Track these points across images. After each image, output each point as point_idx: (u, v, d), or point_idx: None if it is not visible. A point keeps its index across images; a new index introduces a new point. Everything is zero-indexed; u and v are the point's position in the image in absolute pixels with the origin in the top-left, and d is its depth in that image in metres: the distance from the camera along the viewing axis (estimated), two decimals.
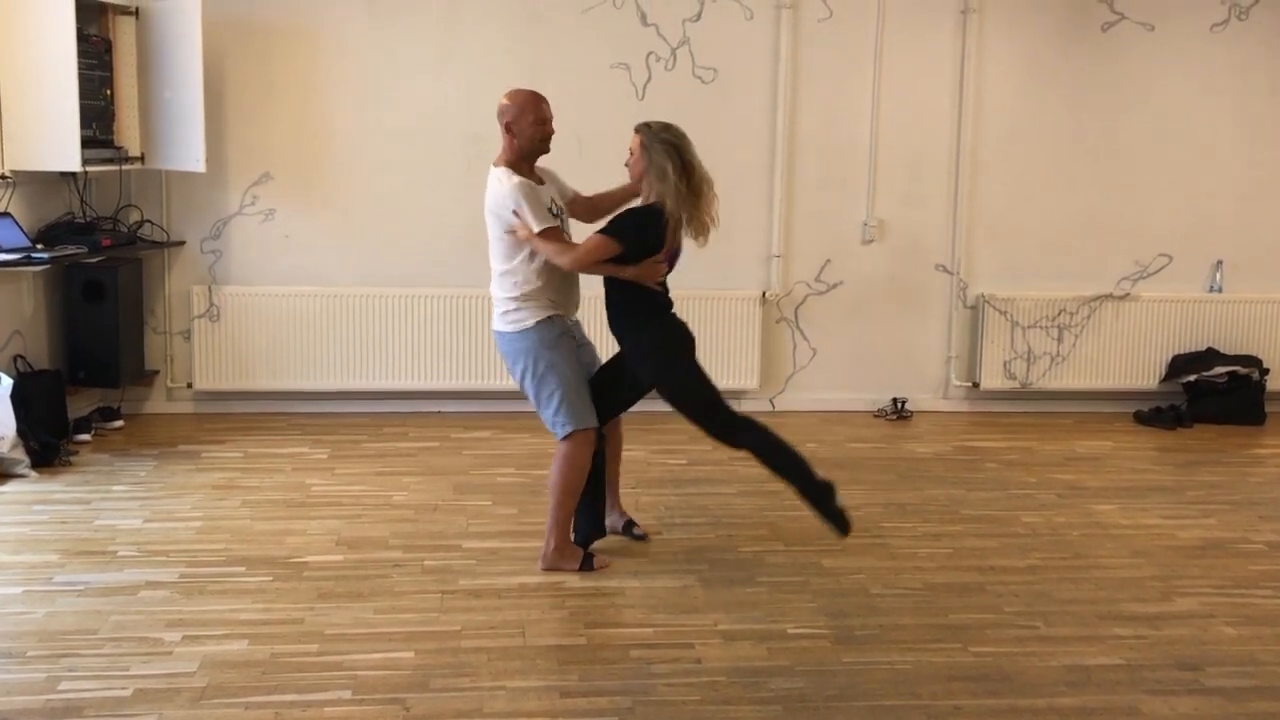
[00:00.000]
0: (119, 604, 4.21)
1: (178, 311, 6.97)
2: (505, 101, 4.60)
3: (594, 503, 4.78)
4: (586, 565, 4.63)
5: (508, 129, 4.57)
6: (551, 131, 4.62)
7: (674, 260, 4.63)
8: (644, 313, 4.59)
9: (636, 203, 4.65)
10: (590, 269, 4.50)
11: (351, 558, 4.72)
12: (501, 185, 4.51)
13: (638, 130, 4.57)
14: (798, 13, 7.11)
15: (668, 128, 4.54)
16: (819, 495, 4.51)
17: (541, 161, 4.70)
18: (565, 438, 4.56)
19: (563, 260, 4.46)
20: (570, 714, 3.51)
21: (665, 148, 4.48)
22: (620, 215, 4.59)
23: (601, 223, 4.62)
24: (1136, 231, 7.52)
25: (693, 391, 4.59)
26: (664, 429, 6.68)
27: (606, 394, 4.68)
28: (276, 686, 3.62)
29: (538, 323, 4.56)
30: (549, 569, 4.61)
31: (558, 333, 4.59)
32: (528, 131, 4.54)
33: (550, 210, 4.55)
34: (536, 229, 4.44)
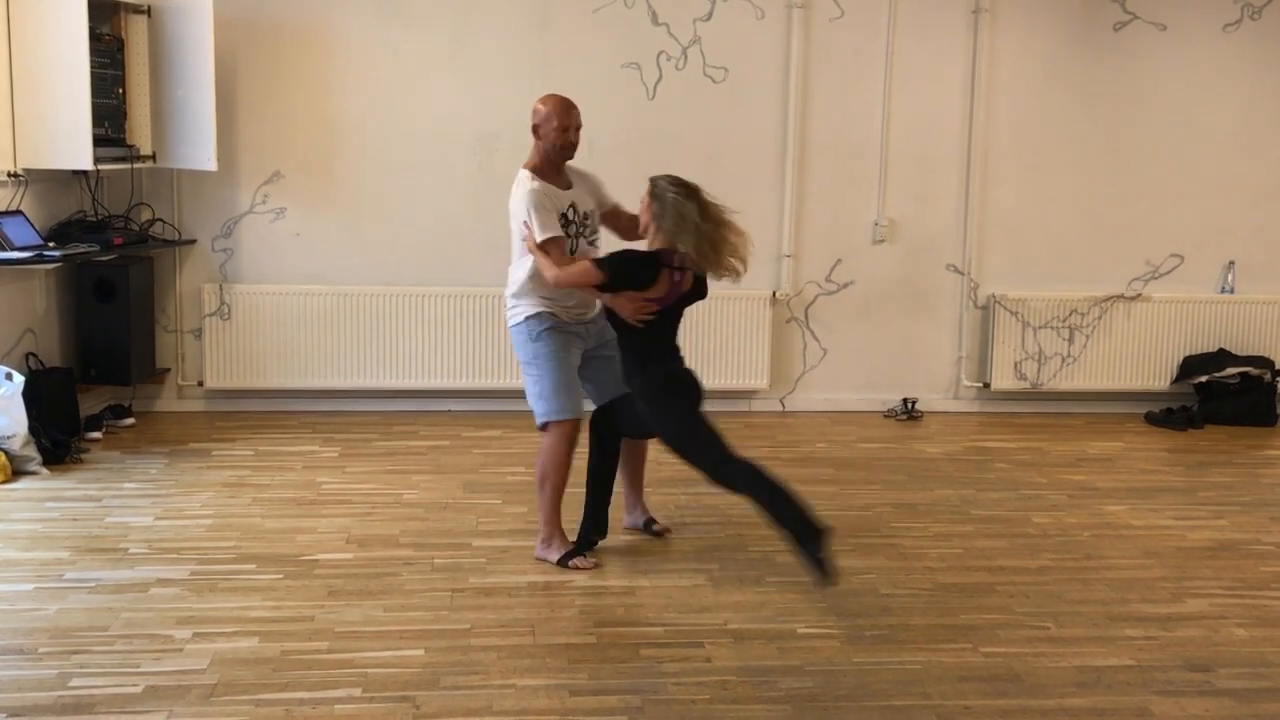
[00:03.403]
0: (130, 601, 4.22)
1: (189, 310, 6.99)
2: (537, 105, 4.74)
3: (601, 505, 4.81)
4: (564, 561, 4.66)
5: (535, 131, 4.72)
6: (572, 141, 4.71)
7: (680, 302, 4.59)
8: (639, 358, 4.57)
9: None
10: (565, 285, 4.57)
11: (362, 556, 4.73)
12: (519, 189, 4.65)
13: (650, 181, 4.58)
14: (809, 12, 7.11)
15: (677, 178, 4.56)
16: (812, 541, 4.24)
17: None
18: (541, 428, 4.71)
19: (548, 275, 4.54)
20: (580, 712, 3.51)
21: (680, 192, 4.48)
22: (621, 252, 4.62)
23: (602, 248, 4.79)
24: (1148, 232, 7.50)
25: (685, 437, 4.49)
26: None
27: (628, 412, 4.71)
28: (287, 684, 3.63)
29: (527, 317, 4.71)
30: (538, 558, 4.71)
31: (545, 327, 4.69)
32: (550, 137, 4.68)
33: (565, 218, 4.65)
34: (539, 239, 4.56)
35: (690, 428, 4.47)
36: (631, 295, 4.47)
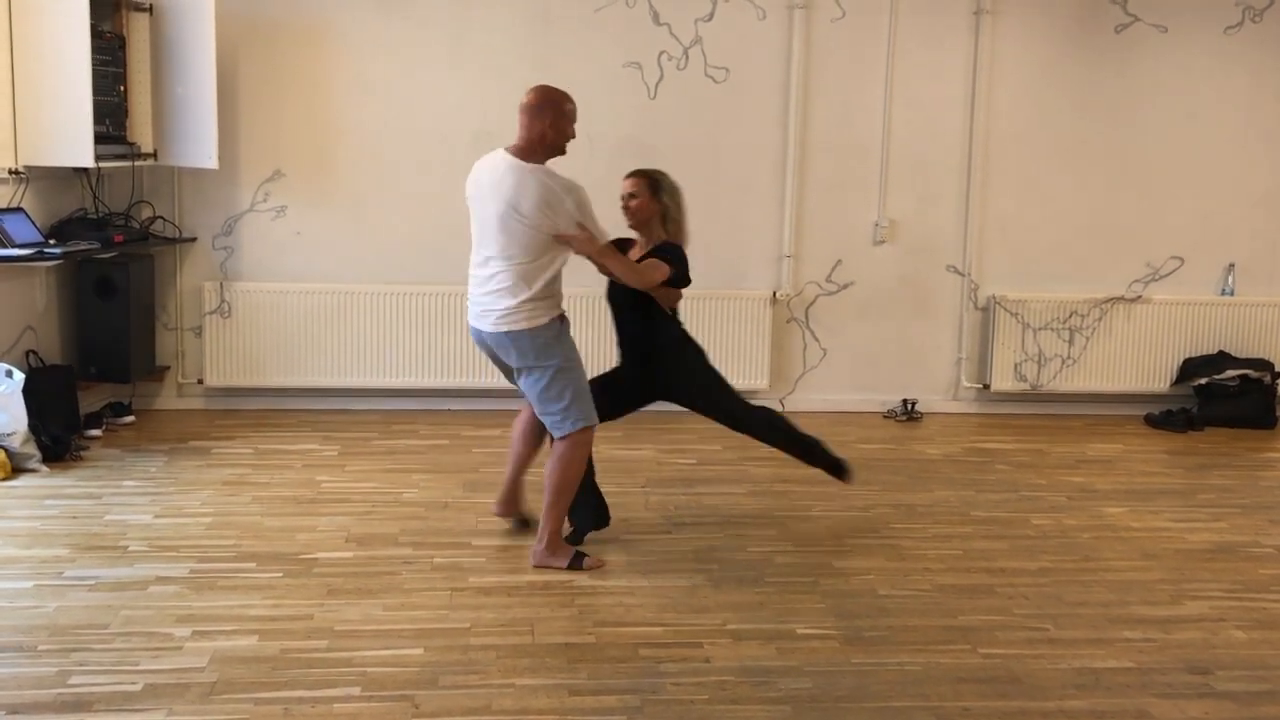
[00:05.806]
0: (129, 599, 4.22)
1: (189, 307, 6.99)
2: (549, 94, 4.51)
3: (591, 498, 4.87)
4: (575, 564, 4.62)
5: (553, 124, 4.47)
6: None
7: None
8: (681, 337, 4.92)
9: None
10: (647, 287, 4.68)
11: (361, 554, 4.73)
12: (552, 182, 4.42)
13: (642, 175, 4.77)
14: (810, 13, 7.11)
15: (666, 175, 4.81)
16: (837, 471, 5.21)
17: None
18: (565, 436, 4.57)
19: (631, 278, 4.62)
20: (579, 712, 3.51)
21: (675, 191, 4.79)
22: (672, 246, 4.74)
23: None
24: (1148, 234, 7.50)
25: (730, 392, 5.04)
26: (674, 429, 6.68)
27: (617, 400, 4.90)
28: (286, 682, 3.63)
29: (552, 319, 4.55)
30: (539, 566, 4.62)
31: (565, 329, 4.62)
32: (567, 132, 4.53)
33: None
34: (608, 239, 4.59)
35: (726, 384, 5.03)
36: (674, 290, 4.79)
